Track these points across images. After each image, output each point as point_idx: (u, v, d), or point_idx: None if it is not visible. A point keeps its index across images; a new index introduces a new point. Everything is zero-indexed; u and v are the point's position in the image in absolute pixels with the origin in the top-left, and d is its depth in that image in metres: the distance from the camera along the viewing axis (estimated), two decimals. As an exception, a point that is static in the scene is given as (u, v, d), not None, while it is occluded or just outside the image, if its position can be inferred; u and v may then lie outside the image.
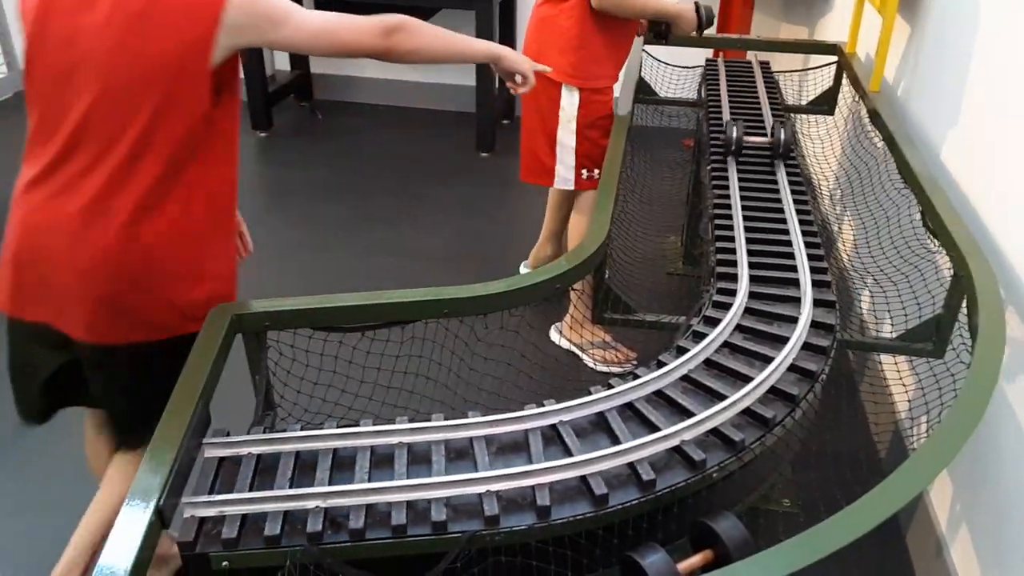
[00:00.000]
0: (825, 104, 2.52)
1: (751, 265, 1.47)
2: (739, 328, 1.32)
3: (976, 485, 1.61)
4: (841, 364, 2.20)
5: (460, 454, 1.06)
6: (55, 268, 1.26)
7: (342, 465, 1.04)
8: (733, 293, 1.40)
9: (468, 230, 3.16)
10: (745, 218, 1.62)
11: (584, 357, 2.41)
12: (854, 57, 2.40)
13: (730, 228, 1.59)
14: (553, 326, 2.51)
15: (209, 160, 1.27)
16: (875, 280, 2.09)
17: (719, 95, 2.21)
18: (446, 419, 1.10)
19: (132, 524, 0.90)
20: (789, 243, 1.54)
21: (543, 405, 1.12)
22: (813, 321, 1.32)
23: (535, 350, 2.24)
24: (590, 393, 1.14)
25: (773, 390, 1.17)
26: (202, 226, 1.30)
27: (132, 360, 1.31)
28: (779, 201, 1.69)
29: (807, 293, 1.38)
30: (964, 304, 1.40)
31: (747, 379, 1.17)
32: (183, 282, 1.29)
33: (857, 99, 2.26)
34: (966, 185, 1.75)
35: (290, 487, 0.99)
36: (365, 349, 1.39)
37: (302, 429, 1.09)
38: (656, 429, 1.08)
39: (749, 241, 1.54)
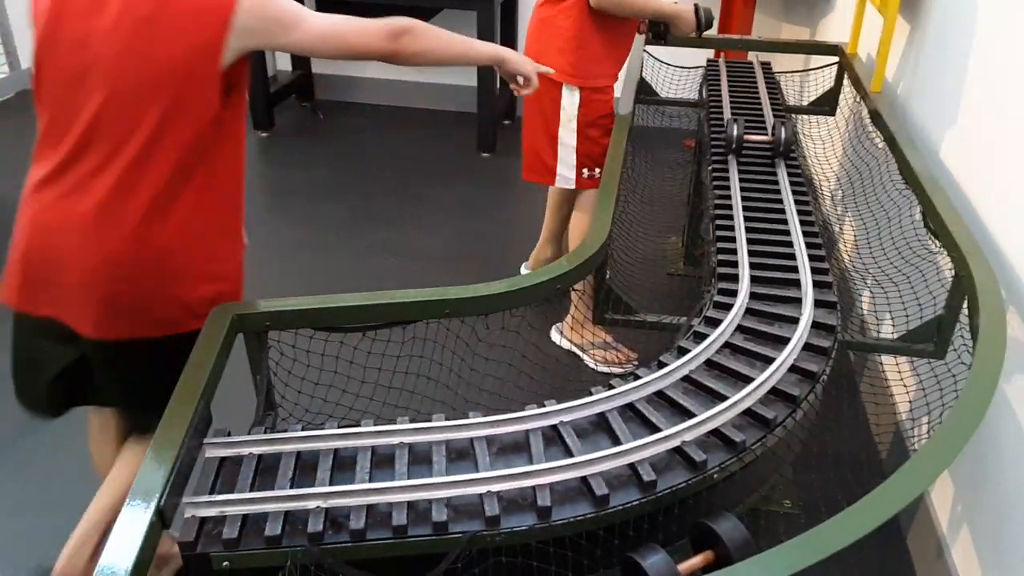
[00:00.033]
0: (826, 105, 2.52)
1: (752, 266, 1.47)
2: (740, 329, 1.32)
3: (977, 486, 1.61)
4: (842, 365, 2.19)
5: (461, 454, 1.06)
6: (65, 266, 1.26)
7: (343, 465, 1.04)
8: (734, 294, 1.40)
9: (469, 230, 3.16)
10: (746, 219, 1.62)
11: (585, 357, 2.41)
12: (855, 57, 2.40)
13: (731, 229, 1.59)
14: (554, 326, 2.51)
15: (218, 161, 1.27)
16: (876, 281, 2.09)
17: (720, 95, 2.21)
18: (447, 419, 1.10)
19: (133, 524, 0.90)
20: (790, 244, 1.54)
21: (544, 405, 1.12)
22: (814, 322, 1.32)
23: (536, 350, 2.24)
24: (591, 393, 1.14)
25: (774, 391, 1.17)
26: (211, 226, 1.30)
27: (139, 355, 1.32)
28: (780, 202, 1.69)
29: (808, 294, 1.38)
30: (965, 305, 1.40)
31: (748, 380, 1.17)
32: (191, 281, 1.30)
33: (858, 99, 2.26)
34: (967, 185, 1.75)
35: (291, 487, 0.99)
36: (366, 349, 1.39)
37: (303, 429, 1.09)
38: (657, 430, 1.08)
39: (750, 242, 1.54)
